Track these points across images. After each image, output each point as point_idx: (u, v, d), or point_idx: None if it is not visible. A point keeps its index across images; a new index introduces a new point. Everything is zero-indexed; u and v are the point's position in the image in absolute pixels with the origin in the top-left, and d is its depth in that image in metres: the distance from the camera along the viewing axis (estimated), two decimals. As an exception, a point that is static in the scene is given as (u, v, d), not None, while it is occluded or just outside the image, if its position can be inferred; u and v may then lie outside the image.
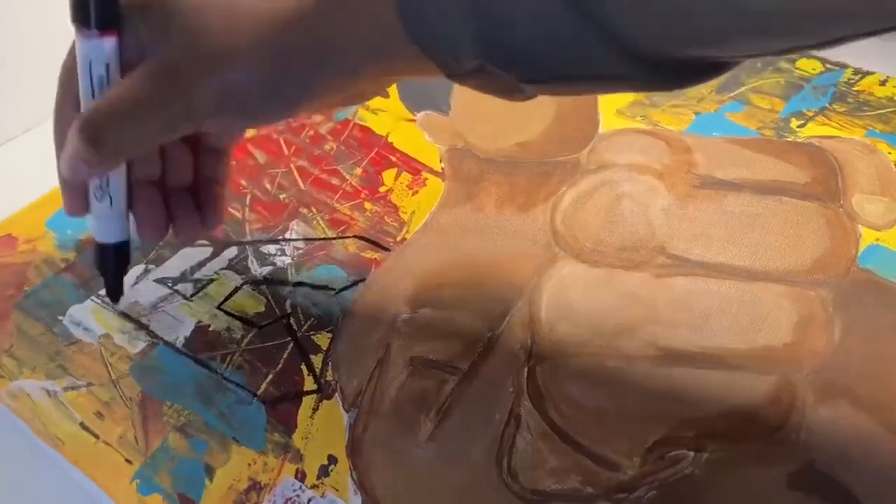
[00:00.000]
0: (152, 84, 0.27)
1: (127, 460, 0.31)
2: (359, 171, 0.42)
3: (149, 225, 0.32)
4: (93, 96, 0.28)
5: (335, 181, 0.42)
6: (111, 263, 0.32)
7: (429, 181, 0.41)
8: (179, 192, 0.33)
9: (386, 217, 0.40)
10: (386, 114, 0.46)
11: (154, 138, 0.29)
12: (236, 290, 0.37)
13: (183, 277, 0.38)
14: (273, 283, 0.37)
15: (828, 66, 0.46)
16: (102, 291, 0.37)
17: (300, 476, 0.31)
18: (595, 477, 0.30)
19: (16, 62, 0.48)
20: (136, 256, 0.39)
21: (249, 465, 0.31)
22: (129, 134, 0.28)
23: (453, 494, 0.30)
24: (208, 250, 0.39)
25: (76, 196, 0.31)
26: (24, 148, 0.48)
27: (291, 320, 0.36)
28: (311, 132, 0.45)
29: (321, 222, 0.40)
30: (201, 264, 0.38)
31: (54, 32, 0.49)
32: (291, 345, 0.35)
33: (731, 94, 0.44)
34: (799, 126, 0.42)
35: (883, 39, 0.53)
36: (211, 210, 0.33)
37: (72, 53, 0.30)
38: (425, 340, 0.34)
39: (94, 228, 0.32)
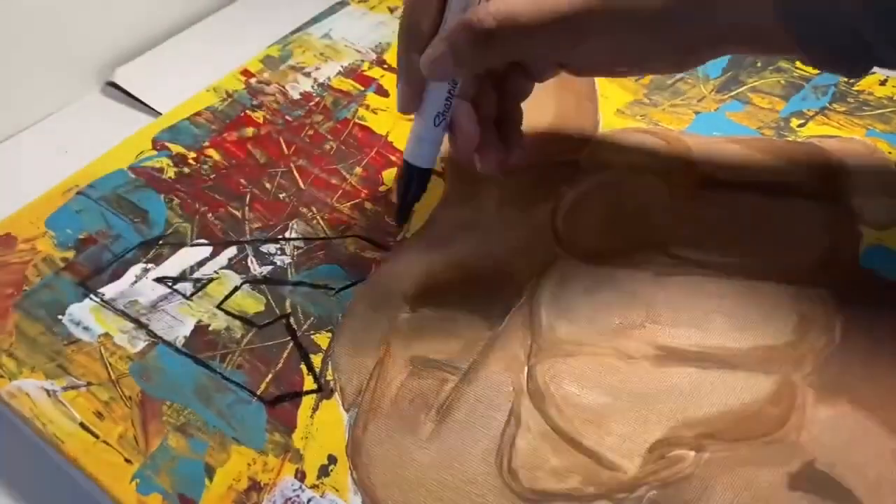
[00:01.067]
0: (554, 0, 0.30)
1: (127, 460, 0.31)
2: (359, 170, 0.42)
3: (463, 140, 0.35)
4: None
5: (335, 181, 0.42)
6: (415, 187, 0.36)
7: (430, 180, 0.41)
8: (485, 121, 0.35)
9: (386, 217, 0.40)
10: (386, 113, 0.46)
11: (535, 52, 0.33)
12: (236, 289, 0.37)
13: (182, 277, 0.38)
14: (273, 282, 0.37)
15: (828, 65, 0.45)
16: (102, 290, 0.37)
17: (300, 476, 0.31)
18: (595, 477, 0.30)
19: (16, 62, 0.48)
20: (136, 255, 0.39)
21: (249, 464, 0.31)
22: (520, 42, 0.31)
23: (453, 494, 0.30)
24: (208, 249, 0.39)
25: (414, 93, 0.34)
26: (24, 147, 0.48)
27: (291, 320, 0.36)
28: (311, 131, 0.45)
29: (321, 222, 0.40)
30: (201, 263, 0.38)
31: (54, 32, 0.49)
32: (291, 344, 0.35)
33: (731, 94, 0.44)
34: (799, 126, 0.42)
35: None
36: (515, 142, 0.36)
37: None
38: (425, 340, 0.34)
39: (412, 150, 0.35)
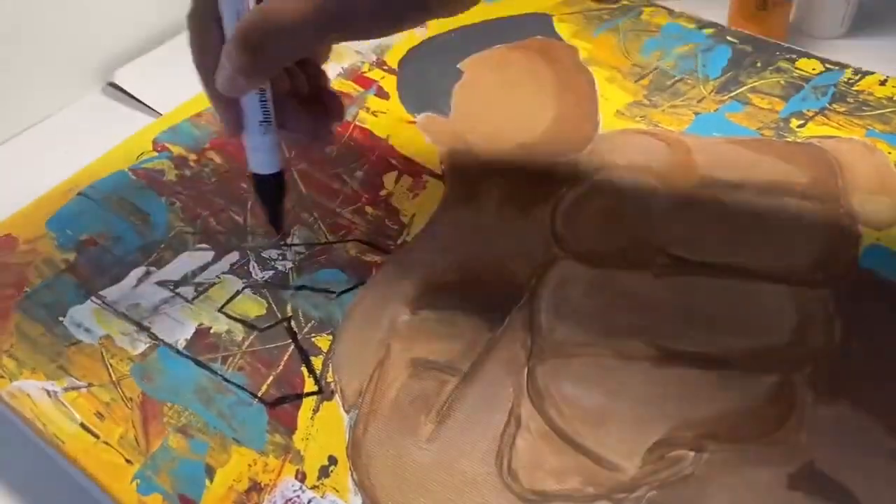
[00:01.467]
0: None
1: (127, 461, 0.31)
2: (359, 174, 0.42)
3: (299, 133, 0.35)
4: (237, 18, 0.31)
5: (336, 185, 0.42)
6: (271, 193, 0.36)
7: (429, 184, 0.41)
8: (306, 99, 0.35)
9: (386, 220, 0.40)
10: (386, 116, 0.46)
11: (307, 47, 0.32)
12: (237, 293, 0.37)
13: (184, 280, 0.38)
14: (274, 286, 0.37)
15: (828, 66, 0.46)
16: (103, 292, 0.37)
17: (300, 477, 0.31)
18: (595, 477, 0.30)
19: (16, 62, 0.48)
20: (137, 258, 0.39)
21: (250, 465, 0.31)
22: (286, 43, 0.30)
23: (454, 495, 0.30)
24: (210, 254, 0.39)
25: (232, 118, 0.34)
26: (24, 148, 0.49)
27: (292, 323, 0.36)
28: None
29: (322, 227, 0.40)
30: (203, 268, 0.38)
31: (55, 32, 0.49)
32: (292, 347, 0.35)
33: (731, 94, 0.44)
34: (799, 126, 0.42)
35: (883, 39, 0.53)
36: (334, 103, 0.36)
37: None
38: (426, 342, 0.34)
39: (254, 161, 0.35)
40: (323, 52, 0.37)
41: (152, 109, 0.49)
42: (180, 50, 0.53)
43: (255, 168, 0.35)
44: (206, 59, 0.33)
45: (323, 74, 0.37)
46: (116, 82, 0.51)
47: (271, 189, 0.36)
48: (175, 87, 0.49)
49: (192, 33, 0.33)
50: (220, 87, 0.32)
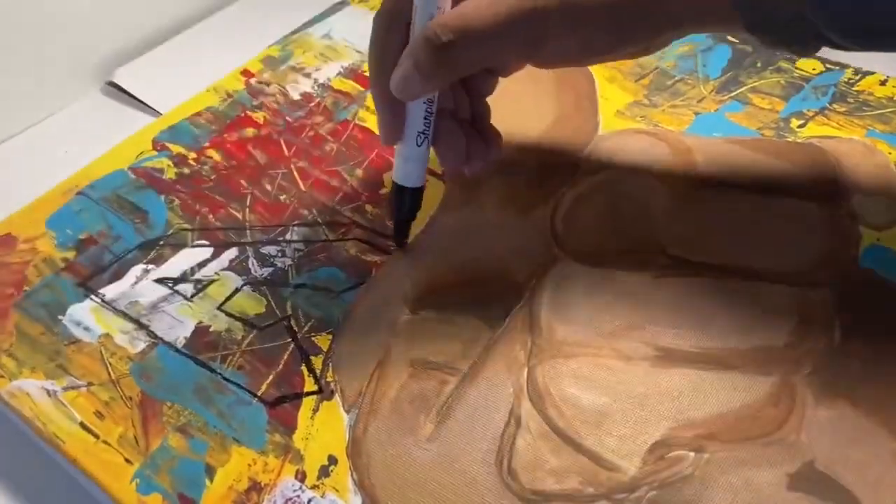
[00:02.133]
0: (509, 4, 0.30)
1: (127, 460, 0.31)
2: (359, 172, 0.42)
3: (453, 154, 0.35)
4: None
5: (335, 183, 0.42)
6: (408, 208, 0.36)
7: (429, 183, 0.41)
8: (465, 125, 0.35)
9: (386, 219, 0.40)
10: (386, 114, 0.45)
11: (496, 58, 0.33)
12: (237, 291, 0.37)
13: (183, 278, 0.38)
14: (273, 284, 0.37)
15: (828, 66, 0.46)
16: (102, 291, 0.37)
17: (300, 476, 0.31)
18: (595, 477, 0.30)
19: (16, 62, 0.48)
20: (137, 256, 0.39)
21: (250, 465, 0.31)
22: (476, 49, 0.31)
23: (453, 495, 0.30)
24: (209, 251, 0.39)
25: (393, 124, 0.34)
26: (24, 147, 0.48)
27: (292, 321, 0.36)
28: (312, 133, 0.45)
29: (322, 224, 0.40)
30: (202, 265, 0.38)
31: (54, 32, 0.49)
32: (292, 346, 0.35)
33: (731, 95, 0.44)
34: (799, 126, 0.42)
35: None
36: (493, 137, 0.36)
37: None
38: (426, 342, 0.34)
39: (402, 171, 0.35)
40: (494, 80, 0.36)
41: (152, 109, 0.49)
42: (180, 50, 0.53)
43: (401, 179, 0.35)
44: (384, 58, 0.33)
45: (486, 107, 0.37)
46: (116, 82, 0.51)
47: (409, 202, 0.36)
48: (175, 86, 0.49)
49: (376, 32, 0.33)
50: (393, 86, 0.32)
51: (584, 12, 0.30)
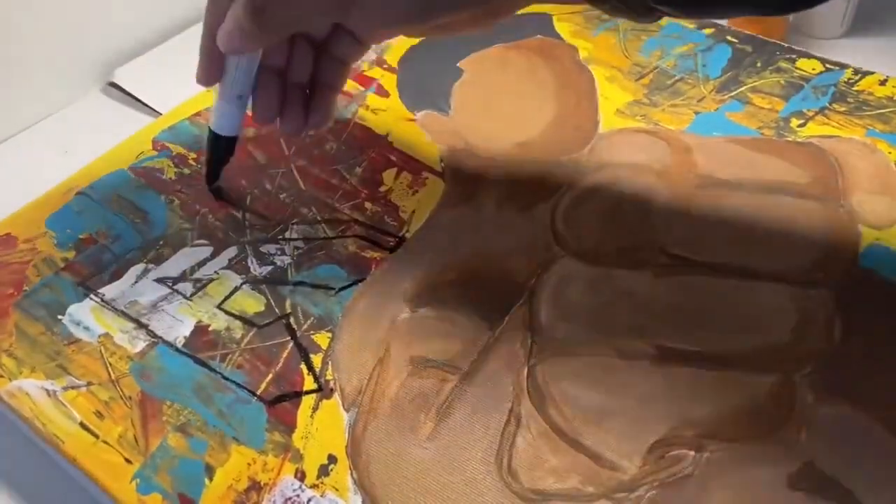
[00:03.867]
0: None
1: (126, 460, 0.31)
2: (359, 170, 0.42)
3: (264, 109, 0.37)
4: None
5: (335, 181, 0.42)
6: (220, 153, 0.39)
7: (429, 181, 0.41)
8: (294, 86, 0.37)
9: (386, 217, 0.40)
10: (386, 113, 0.46)
11: (311, 19, 0.33)
12: (236, 289, 0.37)
13: (183, 277, 0.38)
14: (273, 282, 0.37)
15: (828, 65, 0.46)
16: (102, 290, 0.37)
17: (300, 476, 0.31)
18: (595, 477, 0.30)
19: (16, 62, 0.48)
20: (136, 255, 0.39)
21: (249, 464, 0.31)
22: (292, 13, 0.32)
23: (453, 494, 0.30)
24: (208, 250, 0.39)
25: (213, 68, 0.36)
26: (24, 147, 0.48)
27: (291, 320, 0.36)
28: (311, 132, 0.45)
29: (321, 222, 0.40)
30: (201, 264, 0.38)
31: (55, 32, 0.49)
32: (291, 344, 0.35)
33: (731, 94, 0.44)
34: (799, 126, 0.42)
35: (883, 39, 0.53)
36: (320, 110, 0.37)
37: None
38: (425, 340, 0.34)
39: (216, 119, 0.38)
40: (356, 47, 0.36)
41: (152, 109, 0.49)
42: (180, 50, 0.53)
43: (215, 126, 0.38)
44: (218, 7, 0.34)
45: (340, 76, 0.37)
46: (116, 82, 0.51)
47: (221, 149, 0.39)
48: (174, 86, 0.49)
49: None
50: (219, 41, 0.33)
51: None
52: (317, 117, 0.37)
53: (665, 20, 0.50)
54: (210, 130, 0.38)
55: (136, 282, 0.38)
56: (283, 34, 0.35)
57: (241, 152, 0.44)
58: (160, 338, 0.35)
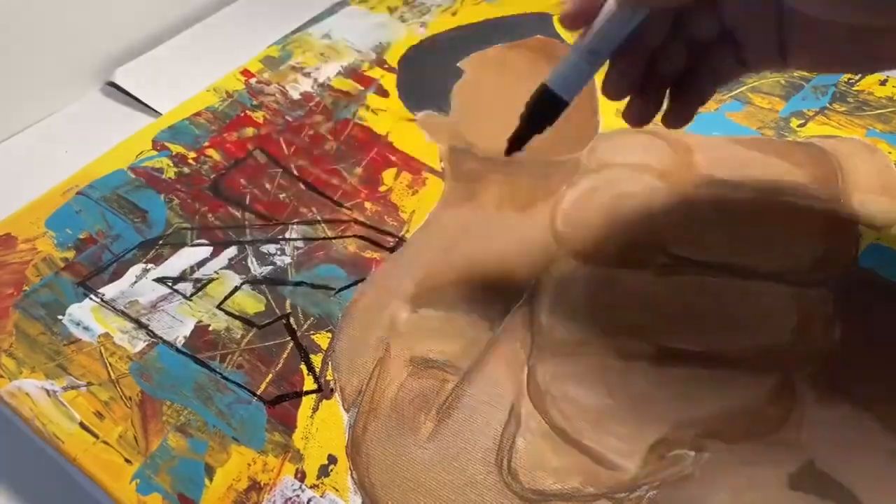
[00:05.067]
0: None
1: (126, 460, 0.31)
2: (359, 170, 0.42)
3: (620, 80, 0.32)
4: None
5: (335, 181, 0.42)
6: (544, 117, 0.32)
7: (429, 181, 0.41)
8: (655, 75, 0.32)
9: (386, 217, 0.40)
10: (386, 113, 0.46)
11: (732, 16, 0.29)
12: (236, 289, 0.37)
13: (182, 277, 0.38)
14: (273, 282, 0.37)
15: (828, 66, 0.46)
16: (102, 290, 0.37)
17: (300, 476, 0.31)
18: (595, 477, 0.30)
19: (16, 62, 0.48)
20: (136, 255, 0.39)
21: (249, 464, 0.31)
22: None
23: (453, 494, 0.30)
24: (208, 250, 0.39)
25: (583, 14, 0.30)
26: (24, 147, 0.48)
27: (291, 320, 0.36)
28: (311, 132, 0.45)
29: (321, 222, 0.40)
30: (201, 264, 0.38)
31: (54, 32, 0.49)
32: (291, 344, 0.35)
33: (731, 94, 0.44)
34: (799, 126, 0.42)
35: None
36: (680, 108, 0.33)
37: None
38: (425, 340, 0.34)
39: (558, 75, 0.31)
40: (735, 68, 0.32)
41: (152, 109, 0.49)
42: (180, 50, 0.53)
43: (552, 82, 0.31)
44: None
45: (706, 91, 0.33)
46: (116, 82, 0.51)
47: (548, 111, 0.32)
48: (174, 86, 0.49)
49: None
50: None
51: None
52: (679, 116, 0.33)
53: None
54: (543, 86, 0.31)
55: (135, 282, 0.38)
56: (677, 4, 0.29)
57: (240, 151, 0.44)
58: (160, 338, 0.35)
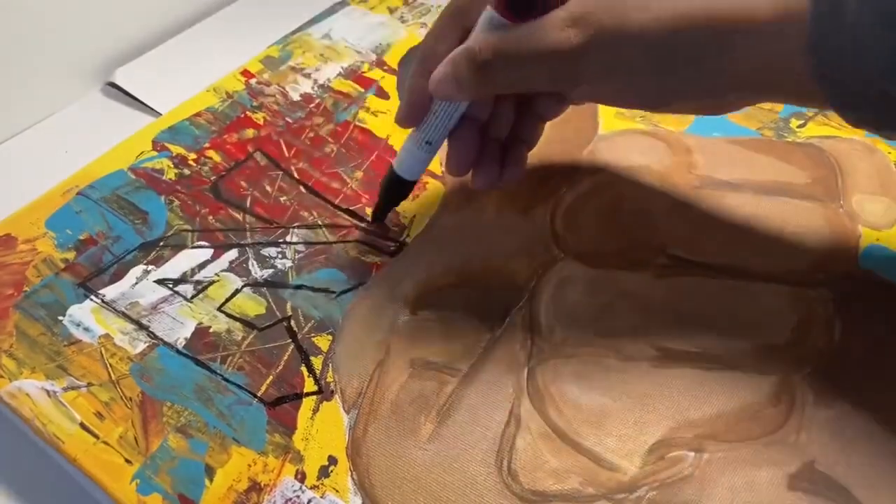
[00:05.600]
0: (555, 34, 0.29)
1: (127, 460, 0.31)
2: (359, 174, 0.42)
3: (459, 160, 0.36)
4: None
5: (336, 184, 0.42)
6: (396, 195, 0.38)
7: (429, 185, 0.41)
8: (493, 140, 0.36)
9: (386, 221, 0.40)
10: (386, 116, 0.45)
11: (534, 84, 0.32)
12: (237, 292, 0.37)
13: (183, 279, 0.38)
14: (273, 285, 0.37)
15: (828, 66, 0.45)
16: (102, 291, 0.37)
17: (300, 477, 0.31)
18: (595, 477, 0.30)
19: (16, 62, 0.48)
20: (137, 256, 0.39)
21: (249, 465, 0.31)
22: (518, 75, 0.31)
23: (454, 495, 0.30)
24: (209, 252, 0.39)
25: (415, 114, 0.35)
26: (24, 147, 0.48)
27: (292, 322, 0.36)
28: (312, 135, 0.45)
29: (322, 226, 0.40)
30: (202, 266, 0.38)
31: (54, 32, 0.49)
32: (292, 346, 0.35)
33: (731, 95, 0.44)
34: (799, 126, 0.42)
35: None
36: (514, 166, 0.36)
37: None
38: (426, 342, 0.34)
39: (402, 161, 0.37)
40: (557, 105, 0.36)
41: (152, 109, 0.49)
42: (180, 50, 0.53)
43: (398, 168, 0.37)
44: (435, 49, 0.33)
45: (536, 133, 0.37)
46: (116, 82, 0.51)
47: (397, 191, 0.38)
48: (175, 86, 0.49)
49: (439, 20, 0.34)
50: (432, 86, 0.32)
51: (620, 57, 0.29)
52: (514, 172, 0.36)
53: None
54: (391, 170, 0.37)
55: (136, 283, 0.38)
56: (500, 92, 0.34)
57: (240, 153, 0.44)
58: (161, 339, 0.35)
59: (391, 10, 0.53)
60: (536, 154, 0.42)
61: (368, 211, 0.40)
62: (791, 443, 0.30)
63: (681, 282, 0.35)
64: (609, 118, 0.44)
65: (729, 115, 0.43)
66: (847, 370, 0.32)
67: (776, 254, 0.36)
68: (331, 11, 0.53)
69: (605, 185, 0.40)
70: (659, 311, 0.34)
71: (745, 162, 0.40)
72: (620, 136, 0.43)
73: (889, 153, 0.40)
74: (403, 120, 0.35)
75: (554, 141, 0.43)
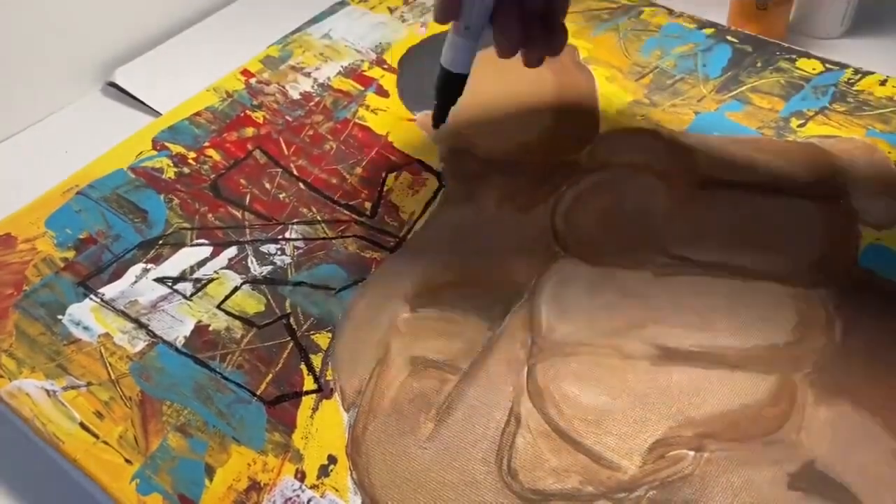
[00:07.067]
0: None
1: (127, 460, 0.31)
2: (359, 170, 0.42)
3: (508, 39, 0.35)
4: None
5: (335, 181, 0.42)
6: (452, 92, 0.37)
7: (429, 181, 0.41)
8: (532, 15, 0.35)
9: (386, 217, 0.40)
10: (386, 113, 0.46)
11: None
12: (236, 289, 0.37)
13: (182, 277, 0.38)
14: (273, 282, 0.37)
15: (828, 66, 0.46)
16: (102, 290, 0.37)
17: (300, 476, 0.31)
18: (594, 477, 0.30)
19: (16, 62, 0.48)
20: (136, 255, 0.39)
21: (249, 465, 0.31)
22: None
23: (453, 494, 0.30)
24: (208, 250, 0.39)
25: (452, 6, 0.34)
26: (24, 147, 0.48)
27: (291, 320, 0.36)
28: (311, 132, 0.45)
29: (321, 222, 0.40)
30: (201, 264, 0.38)
31: (54, 32, 0.49)
32: (291, 344, 0.35)
33: (731, 94, 0.44)
34: (799, 126, 0.42)
35: (883, 39, 0.53)
36: (557, 34, 0.36)
37: None
38: (425, 340, 0.34)
39: (449, 55, 0.36)
40: None
41: (152, 109, 0.49)
42: (180, 50, 0.53)
43: (444, 62, 0.36)
44: None
45: (562, 4, 0.36)
46: (116, 82, 0.51)
47: (452, 86, 0.37)
48: (174, 86, 0.49)
49: None
50: None
51: None
52: (559, 39, 0.36)
53: (665, 19, 0.50)
54: (441, 68, 0.36)
55: (135, 281, 0.38)
56: None
57: (240, 151, 0.44)
58: (160, 338, 0.35)
59: (391, 10, 0.53)
60: (536, 153, 0.42)
61: (368, 206, 0.40)
62: (791, 442, 0.30)
63: (681, 280, 0.35)
64: (610, 117, 0.44)
65: (729, 115, 0.43)
66: (847, 370, 0.32)
67: (776, 253, 0.36)
68: (331, 11, 0.53)
69: (605, 183, 0.40)
70: (659, 309, 0.34)
71: (745, 162, 0.40)
72: (621, 134, 0.43)
73: (889, 153, 0.40)
74: (440, 14, 0.35)
75: (554, 140, 0.43)
